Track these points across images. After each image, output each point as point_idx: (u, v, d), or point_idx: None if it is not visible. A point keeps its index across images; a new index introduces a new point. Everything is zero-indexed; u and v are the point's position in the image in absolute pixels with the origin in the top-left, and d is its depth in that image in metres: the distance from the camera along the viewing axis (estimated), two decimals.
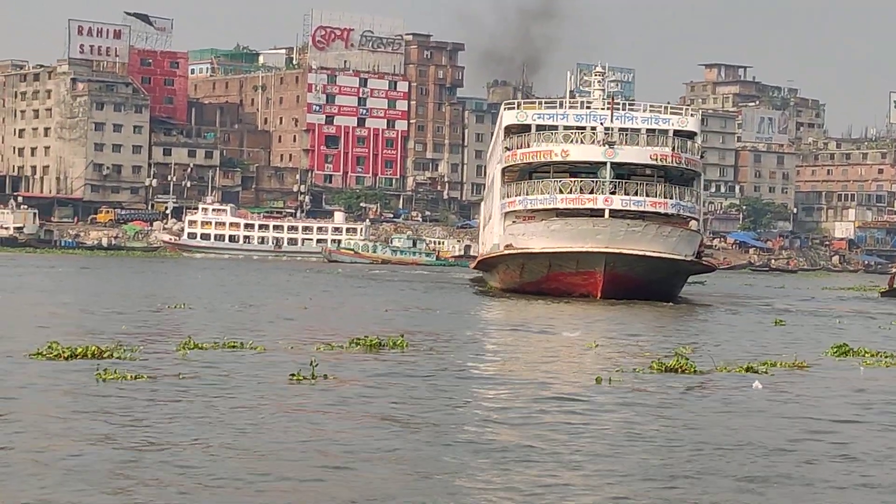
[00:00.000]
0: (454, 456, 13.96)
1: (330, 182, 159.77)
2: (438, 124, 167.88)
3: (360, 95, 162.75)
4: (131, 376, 19.39)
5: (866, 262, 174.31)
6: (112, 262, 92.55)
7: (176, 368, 20.88)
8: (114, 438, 14.40)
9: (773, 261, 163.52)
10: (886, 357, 26.61)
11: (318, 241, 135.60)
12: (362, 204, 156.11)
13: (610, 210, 53.63)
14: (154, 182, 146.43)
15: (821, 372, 23.99)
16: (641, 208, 54.39)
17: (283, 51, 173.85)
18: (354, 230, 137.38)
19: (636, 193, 54.48)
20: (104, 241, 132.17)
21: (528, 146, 57.21)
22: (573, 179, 55.30)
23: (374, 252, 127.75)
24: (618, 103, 59.68)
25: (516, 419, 16.83)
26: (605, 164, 54.44)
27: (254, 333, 28.19)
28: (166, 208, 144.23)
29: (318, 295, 51.88)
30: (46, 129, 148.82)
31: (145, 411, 16.38)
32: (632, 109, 60.21)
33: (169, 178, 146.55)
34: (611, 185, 54.21)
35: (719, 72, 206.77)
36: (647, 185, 54.87)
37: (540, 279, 53.99)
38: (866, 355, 26.97)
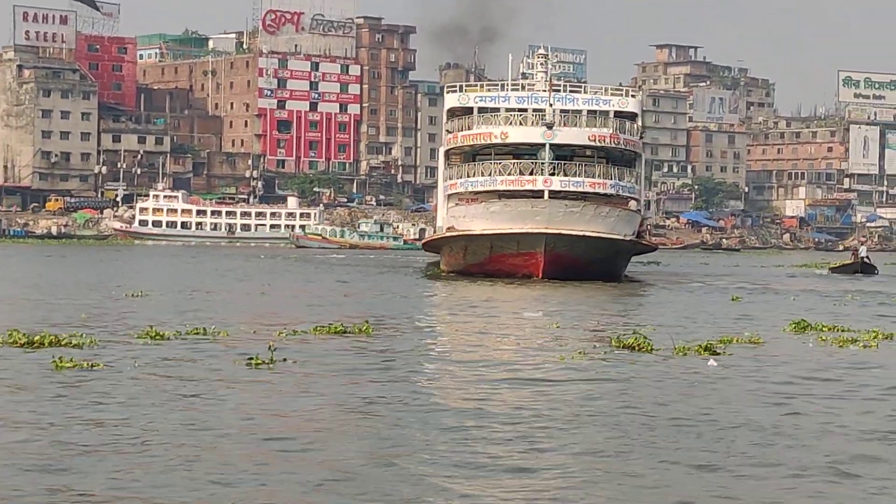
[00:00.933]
0: (416, 437, 13.84)
1: (283, 167, 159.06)
2: (391, 108, 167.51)
3: (312, 79, 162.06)
4: (88, 364, 19.14)
5: (817, 240, 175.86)
6: (64, 251, 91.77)
7: (137, 356, 20.63)
8: (61, 425, 14.18)
9: (724, 240, 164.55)
10: (843, 332, 26.74)
11: (272, 226, 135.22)
12: (316, 189, 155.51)
13: (550, 191, 54.00)
14: (103, 169, 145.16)
15: (777, 348, 24.09)
16: (581, 189, 54.75)
17: (233, 35, 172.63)
18: (308, 215, 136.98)
19: (575, 174, 54.75)
20: (54, 230, 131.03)
21: (471, 129, 57.48)
22: (513, 161, 55.66)
23: (343, 237, 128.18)
24: (558, 85, 60.08)
25: (480, 398, 16.77)
26: (543, 145, 54.71)
27: (215, 320, 27.90)
28: (116, 195, 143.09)
29: (275, 280, 51.59)
30: None
31: (99, 398, 16.17)
32: (573, 91, 60.68)
33: (119, 165, 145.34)
34: (550, 167, 54.54)
35: (670, 52, 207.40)
36: (586, 165, 55.16)
37: (483, 260, 54.17)
38: (825, 330, 27.07)
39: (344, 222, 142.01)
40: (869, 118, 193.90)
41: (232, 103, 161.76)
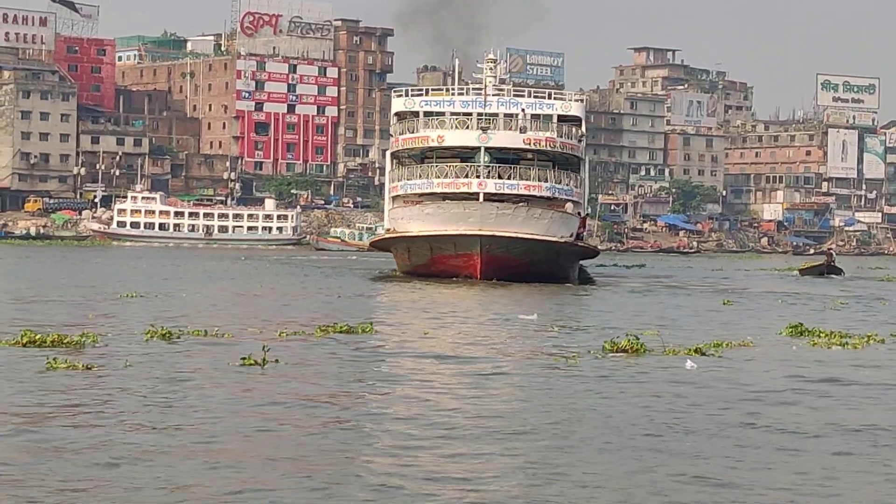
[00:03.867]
0: (395, 436, 14.00)
1: (260, 169, 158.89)
2: (369, 110, 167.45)
3: (290, 82, 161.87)
4: (82, 366, 19.15)
5: (794, 244, 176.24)
6: (47, 252, 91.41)
7: (137, 357, 20.67)
8: (43, 424, 14.29)
9: (700, 243, 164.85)
10: (839, 336, 26.86)
11: (249, 228, 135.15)
12: (293, 191, 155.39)
13: (485, 194, 54.62)
14: (82, 170, 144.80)
15: (767, 352, 24.28)
16: (516, 191, 55.47)
17: (212, 37, 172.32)
18: (286, 217, 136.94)
19: (510, 177, 55.57)
20: (32, 231, 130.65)
21: (415, 132, 58.13)
22: (450, 164, 56.42)
23: (361, 240, 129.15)
24: (501, 88, 60.92)
25: (468, 396, 17.09)
26: (479, 148, 55.47)
27: (216, 320, 27.99)
28: (95, 197, 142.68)
29: (264, 282, 51.49)
30: None
31: (79, 397, 16.37)
32: (517, 95, 61.27)
33: (97, 167, 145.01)
34: (486, 170, 55.17)
35: (648, 55, 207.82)
36: (522, 169, 55.83)
37: (427, 262, 54.73)
38: (821, 335, 27.13)
39: (321, 224, 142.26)
40: (847, 122, 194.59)
41: (210, 105, 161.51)
